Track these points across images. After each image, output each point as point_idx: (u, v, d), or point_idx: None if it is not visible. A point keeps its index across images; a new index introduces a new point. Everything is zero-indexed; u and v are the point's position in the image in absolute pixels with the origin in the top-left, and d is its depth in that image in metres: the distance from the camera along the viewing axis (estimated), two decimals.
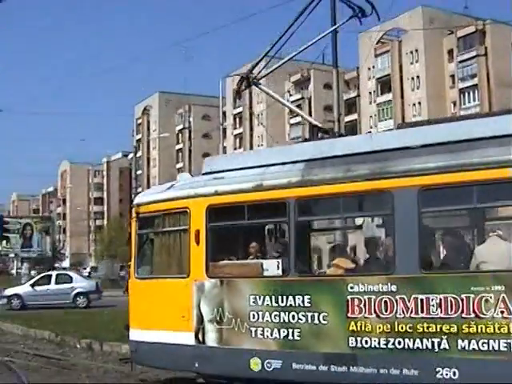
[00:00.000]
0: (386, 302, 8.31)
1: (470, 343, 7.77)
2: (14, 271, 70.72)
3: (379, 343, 8.37)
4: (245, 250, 10.09)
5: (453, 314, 7.87)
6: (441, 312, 7.95)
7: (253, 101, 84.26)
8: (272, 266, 9.43)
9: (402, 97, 71.24)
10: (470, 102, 66.01)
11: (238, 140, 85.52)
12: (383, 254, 8.96)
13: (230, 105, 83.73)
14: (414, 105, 69.83)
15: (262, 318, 9.31)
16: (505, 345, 7.56)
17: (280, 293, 9.16)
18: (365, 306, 8.47)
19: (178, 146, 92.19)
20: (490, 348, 7.64)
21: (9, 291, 31.34)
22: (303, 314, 8.95)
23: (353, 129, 69.46)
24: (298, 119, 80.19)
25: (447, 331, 7.90)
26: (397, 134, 9.76)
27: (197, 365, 10.11)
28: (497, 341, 7.61)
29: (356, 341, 8.54)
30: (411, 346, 8.15)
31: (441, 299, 7.94)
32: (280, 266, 9.34)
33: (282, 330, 9.13)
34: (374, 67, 73.48)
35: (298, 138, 60.16)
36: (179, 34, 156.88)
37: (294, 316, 9.03)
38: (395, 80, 71.36)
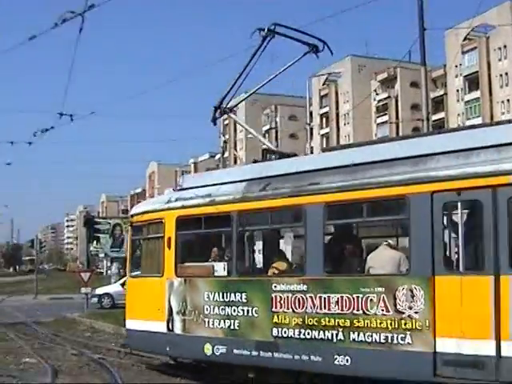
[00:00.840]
0: (299, 299, 9.93)
1: (359, 335, 9.26)
2: (103, 271, 74.90)
3: (294, 334, 10.01)
4: (206, 253, 11.94)
5: (347, 311, 9.39)
6: (338, 308, 9.48)
7: (339, 100, 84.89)
8: (220, 268, 11.34)
9: (491, 94, 69.78)
10: None
11: (324, 140, 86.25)
12: (298, 259, 10.46)
13: (316, 105, 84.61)
14: (503, 102, 68.31)
15: (213, 311, 11.17)
16: (384, 337, 8.98)
17: (225, 290, 11.00)
18: (284, 302, 10.11)
19: (264, 146, 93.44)
20: (374, 340, 9.09)
21: (99, 290, 31.52)
22: (241, 307, 10.72)
23: (440, 128, 68.93)
24: (385, 118, 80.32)
25: (342, 325, 9.43)
26: (313, 158, 11.26)
27: (168, 349, 12.14)
28: (378, 334, 9.03)
29: (277, 331, 10.21)
30: (317, 336, 9.72)
31: (338, 298, 9.48)
32: (226, 267, 11.22)
33: (226, 321, 10.96)
34: (461, 65, 72.31)
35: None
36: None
37: (234, 309, 10.83)
38: (483, 77, 69.97)
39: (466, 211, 8.58)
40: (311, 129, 66.45)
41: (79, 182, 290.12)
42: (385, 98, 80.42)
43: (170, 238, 12.03)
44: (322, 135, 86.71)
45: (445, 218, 8.73)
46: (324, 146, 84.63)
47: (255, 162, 12.19)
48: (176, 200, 12.28)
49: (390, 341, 8.88)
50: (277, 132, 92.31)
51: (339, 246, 10.22)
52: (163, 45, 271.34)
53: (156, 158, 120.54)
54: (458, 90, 73.36)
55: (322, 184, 9.90)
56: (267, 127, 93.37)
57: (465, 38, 70.68)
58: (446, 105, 74.97)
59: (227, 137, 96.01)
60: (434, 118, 70.62)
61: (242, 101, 13.43)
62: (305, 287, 9.87)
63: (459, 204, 8.48)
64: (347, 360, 9.34)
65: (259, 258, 11.38)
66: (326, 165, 10.23)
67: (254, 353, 10.49)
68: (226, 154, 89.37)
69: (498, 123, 10.09)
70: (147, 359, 13.65)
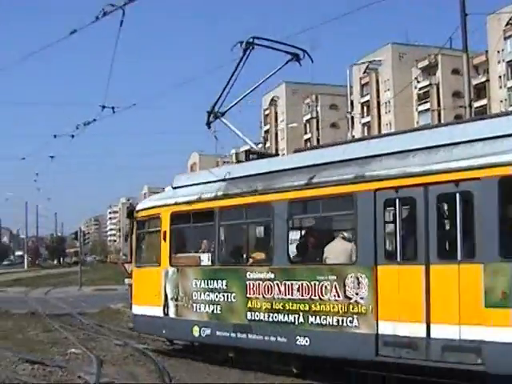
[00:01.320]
0: (267, 286, 11.14)
1: (316, 319, 10.41)
2: None
3: (264, 317, 11.22)
4: (195, 245, 13.32)
5: (306, 297, 10.53)
6: (299, 294, 10.64)
7: (380, 88, 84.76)
8: (205, 258, 12.68)
9: None
10: None
11: (365, 129, 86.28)
12: (267, 250, 11.61)
13: (357, 93, 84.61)
14: None
15: (199, 297, 12.49)
16: (336, 320, 10.11)
17: (209, 278, 12.33)
18: (256, 288, 11.34)
19: (305, 136, 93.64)
20: (328, 323, 10.23)
21: None
22: (222, 294, 12.00)
23: (483, 114, 68.35)
24: (427, 106, 79.99)
25: (303, 309, 10.60)
26: (281, 159, 12.37)
27: (164, 331, 13.60)
28: (332, 317, 10.16)
29: (251, 315, 11.44)
30: (282, 319, 10.91)
31: (299, 285, 10.63)
32: (210, 258, 12.53)
33: (210, 306, 12.26)
34: (503, 50, 71.51)
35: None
36: (306, 22, 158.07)
37: (217, 295, 12.12)
38: None
39: (403, 207, 9.57)
40: (352, 118, 66.71)
41: (122, 173, 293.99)
42: (426, 86, 79.96)
43: (165, 232, 13.39)
44: (363, 124, 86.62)
45: (386, 213, 9.74)
46: (365, 134, 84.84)
47: (239, 161, 13.27)
48: (170, 197, 13.68)
49: (340, 323, 10.02)
50: (318, 121, 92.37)
51: (301, 239, 11.52)
52: (201, 35, 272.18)
53: (197, 148, 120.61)
54: (500, 77, 72.62)
55: (286, 183, 11.05)
56: (308, 117, 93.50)
57: (507, 23, 69.93)
58: (488, 91, 74.24)
59: (268, 127, 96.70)
60: (477, 104, 69.92)
61: (232, 106, 14.43)
62: (272, 275, 11.06)
63: (397, 200, 9.53)
64: (307, 341, 10.50)
65: (237, 249, 12.56)
66: (291, 165, 11.42)
67: (233, 334, 11.75)
68: (268, 145, 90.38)
69: (437, 126, 10.94)
70: (191, 349, 13.58)
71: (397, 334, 9.28)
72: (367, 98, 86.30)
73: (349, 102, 49.12)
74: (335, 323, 10.10)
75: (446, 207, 9.32)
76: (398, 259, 9.46)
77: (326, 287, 10.21)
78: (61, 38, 15.20)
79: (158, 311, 13.42)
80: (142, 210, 14.64)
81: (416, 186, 9.23)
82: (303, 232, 11.75)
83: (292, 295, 10.71)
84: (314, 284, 10.36)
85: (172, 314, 13.11)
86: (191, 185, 13.43)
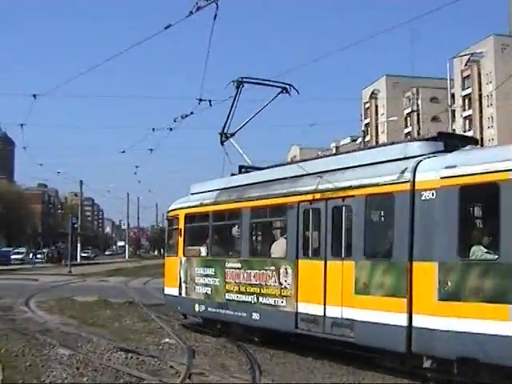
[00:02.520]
0: (237, 273, 14.71)
1: (263, 299, 13.85)
2: None
3: (235, 297, 14.77)
4: (200, 240, 16.91)
5: (258, 282, 14.00)
6: (255, 280, 14.11)
7: (482, 81, 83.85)
8: (203, 250, 16.49)
9: None
10: None
11: (467, 122, 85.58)
12: (238, 245, 15.20)
13: (458, 86, 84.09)
14: None
15: (199, 281, 16.23)
16: (273, 301, 13.49)
17: (204, 266, 16.08)
18: (231, 275, 14.93)
19: (406, 130, 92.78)
20: (269, 303, 13.63)
21: None
22: (212, 279, 15.69)
23: None
24: None
25: (256, 292, 14.03)
26: (253, 174, 16.00)
27: (179, 307, 17.56)
28: (271, 299, 13.56)
29: (228, 295, 15.03)
30: (244, 299, 14.43)
31: (255, 273, 14.11)
32: (205, 250, 16.37)
33: (204, 288, 15.97)
34: None
35: None
36: (405, 14, 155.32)
37: (209, 280, 15.81)
38: None
39: (314, 216, 12.66)
40: (453, 111, 67.14)
41: (220, 166, 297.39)
42: None
43: (181, 229, 17.29)
44: (465, 117, 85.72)
45: (304, 220, 12.86)
46: (467, 128, 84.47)
47: (233, 175, 16.96)
48: (186, 202, 17.65)
49: (276, 303, 13.37)
50: (418, 115, 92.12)
51: (258, 237, 15.21)
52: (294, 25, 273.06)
53: (297, 141, 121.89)
54: None
55: (250, 194, 14.69)
56: (408, 110, 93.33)
57: None
58: None
59: (368, 120, 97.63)
60: None
61: (239, 129, 18.01)
62: (240, 265, 14.66)
63: (310, 210, 12.72)
64: (258, 316, 13.96)
65: (221, 244, 16.32)
66: (255, 180, 15.10)
67: (217, 310, 15.41)
68: (368, 138, 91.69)
69: (342, 153, 14.18)
70: (286, 346, 13.58)
71: (308, 312, 12.44)
72: (469, 90, 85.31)
73: (449, 95, 49.61)
74: (273, 303, 13.47)
75: (337, 217, 12.00)
76: (310, 255, 12.70)
77: (269, 275, 13.61)
78: (156, 33, 16.01)
79: (175, 291, 17.35)
80: (170, 211, 18.59)
81: (320, 200, 12.37)
82: (259, 232, 15.37)
83: (250, 281, 14.22)
84: (263, 273, 13.82)
85: (183, 293, 17.03)
86: (200, 192, 17.17)
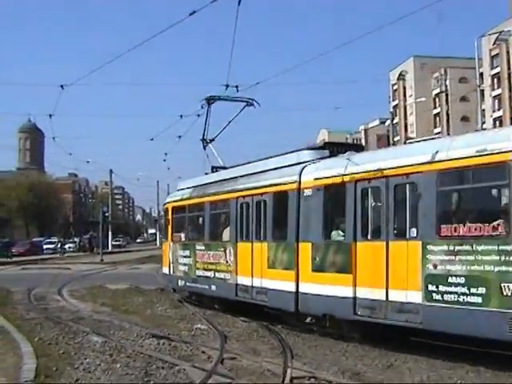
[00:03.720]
0: (202, 254, 18.19)
1: (218, 274, 17.11)
2: None
3: (201, 273, 18.14)
4: (181, 228, 20.42)
5: (214, 261, 17.35)
6: (212, 259, 17.45)
7: (510, 60, 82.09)
8: (183, 236, 20.08)
9: None
10: None
11: (496, 102, 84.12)
12: (203, 232, 18.44)
13: (487, 65, 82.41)
14: None
15: (180, 261, 19.86)
16: (223, 275, 16.73)
17: (183, 249, 19.75)
18: (198, 256, 18.38)
19: (435, 111, 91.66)
20: (220, 277, 16.89)
21: None
22: (188, 259, 19.17)
23: None
24: None
25: (213, 268, 17.37)
26: (215, 174, 19.40)
27: (169, 284, 21.51)
28: (222, 273, 16.79)
29: (197, 272, 18.44)
30: (207, 275, 17.79)
31: (212, 253, 17.46)
32: (184, 236, 20.03)
33: (183, 266, 19.62)
34: None
35: None
36: None
37: (186, 260, 19.33)
38: None
39: (246, 208, 15.74)
40: (482, 91, 66.09)
41: (252, 151, 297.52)
42: None
43: (169, 219, 21.23)
44: (494, 97, 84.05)
45: (242, 211, 15.94)
46: (496, 107, 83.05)
47: (207, 173, 20.19)
48: (174, 196, 21.69)
49: (224, 277, 16.69)
50: (447, 95, 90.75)
51: (215, 225, 18.16)
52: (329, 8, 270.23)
53: (326, 125, 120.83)
54: None
55: (209, 191, 18.15)
56: (437, 91, 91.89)
57: None
58: None
59: (396, 102, 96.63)
60: None
61: (218, 134, 21.30)
62: (203, 247, 18.21)
63: (244, 204, 15.92)
64: (215, 288, 17.35)
65: (193, 231, 19.65)
66: (215, 179, 18.52)
67: (191, 284, 19.09)
68: (396, 120, 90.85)
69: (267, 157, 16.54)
70: (317, 328, 13.37)
71: (243, 283, 15.66)
72: (498, 69, 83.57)
73: (478, 74, 48.82)
74: (223, 277, 16.79)
75: (258, 209, 15.14)
76: (244, 239, 15.85)
77: (220, 255, 16.97)
78: (182, 19, 16.05)
79: (167, 270, 21.30)
80: (164, 204, 22.42)
81: (249, 196, 15.66)
82: (215, 221, 18.28)
83: (210, 260, 17.66)
84: (217, 253, 17.19)
85: (171, 272, 20.77)
86: (183, 189, 20.85)
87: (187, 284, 19.14)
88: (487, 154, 9.44)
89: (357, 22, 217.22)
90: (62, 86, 23.23)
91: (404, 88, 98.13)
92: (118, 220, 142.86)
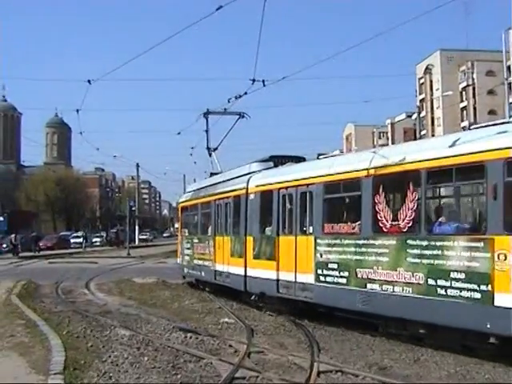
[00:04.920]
0: (197, 246, 21.95)
1: (204, 262, 20.72)
2: None
3: (197, 262, 21.69)
4: (187, 224, 24.47)
5: (202, 251, 21.07)
6: (202, 250, 21.18)
7: None
8: (187, 231, 24.19)
9: None
10: None
11: None
12: (198, 227, 22.27)
13: None
14: None
15: (185, 252, 23.72)
16: (207, 263, 20.23)
17: (186, 242, 23.69)
18: (196, 247, 22.06)
19: (462, 104, 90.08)
20: (206, 264, 20.44)
21: None
22: (189, 250, 22.95)
23: None
24: None
25: (203, 257, 20.99)
26: (203, 181, 24.89)
27: (180, 272, 24.43)
28: (207, 261, 20.30)
29: (196, 261, 21.95)
30: (200, 263, 21.34)
31: (202, 245, 21.12)
32: (187, 231, 24.11)
33: (187, 257, 23.37)
34: None
35: None
36: None
37: (188, 251, 23.11)
38: None
39: (218, 208, 19.46)
40: (510, 84, 65.11)
41: (278, 145, 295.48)
42: None
43: (179, 217, 26.20)
44: None
45: (217, 211, 19.60)
46: None
47: (206, 178, 24.90)
48: (182, 198, 26.23)
49: (208, 265, 20.22)
50: (474, 89, 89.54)
51: (204, 222, 21.55)
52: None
53: (352, 119, 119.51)
54: None
55: (200, 194, 22.13)
56: (464, 84, 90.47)
57: None
58: None
59: (423, 96, 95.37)
60: None
61: (219, 143, 24.89)
62: (197, 240, 22.02)
63: (217, 205, 19.58)
64: (204, 274, 20.83)
65: (193, 227, 23.29)
66: (204, 185, 22.69)
67: (192, 271, 22.54)
68: (423, 114, 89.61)
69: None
70: (346, 323, 13.23)
71: (219, 270, 19.08)
72: None
73: (505, 67, 48.11)
74: (207, 264, 20.22)
75: (226, 209, 18.74)
76: (227, 232, 18.67)
77: (206, 247, 20.46)
78: (208, 14, 16.19)
79: (178, 260, 25.15)
80: (177, 204, 27.75)
81: (220, 199, 19.39)
82: (204, 218, 21.63)
83: (200, 251, 21.30)
84: (204, 245, 20.74)
85: (180, 261, 24.65)
86: (189, 192, 25.34)
87: (189, 271, 22.74)
88: (351, 171, 12.53)
89: (385, 15, 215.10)
90: (89, 81, 23.43)
91: (431, 82, 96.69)
92: (145, 214, 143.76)
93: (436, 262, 10.27)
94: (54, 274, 28.73)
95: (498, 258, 9.21)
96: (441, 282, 10.14)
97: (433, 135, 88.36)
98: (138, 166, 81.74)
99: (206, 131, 24.27)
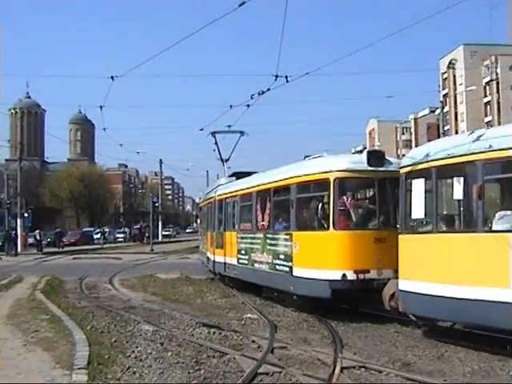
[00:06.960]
0: (206, 239, 25.58)
1: (207, 253, 24.64)
2: None
3: (210, 252, 23.77)
4: (205, 221, 27.08)
5: (207, 244, 25.02)
6: (207, 243, 24.99)
7: None
8: (204, 226, 26.89)
9: None
10: None
11: None
12: (207, 224, 25.28)
13: None
14: None
15: (201, 244, 29.54)
16: (219, 255, 21.63)
17: (202, 236, 28.73)
18: (206, 240, 25.77)
19: (485, 99, 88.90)
20: (217, 255, 22.00)
21: None
22: (204, 242, 26.79)
23: None
24: None
25: (207, 249, 24.83)
26: (216, 182, 27.61)
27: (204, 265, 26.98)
28: (218, 254, 21.82)
29: (206, 253, 25.31)
30: (207, 255, 24.65)
31: (214, 239, 22.71)
32: (204, 227, 26.78)
33: (203, 248, 27.40)
34: None
35: None
36: None
37: (205, 243, 26.26)
38: None
39: (209, 209, 24.49)
40: None
41: (298, 140, 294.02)
42: None
43: (198, 215, 34.66)
44: None
45: (208, 211, 24.75)
46: None
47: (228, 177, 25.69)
48: (200, 198, 32.27)
49: (208, 256, 24.20)
50: (498, 83, 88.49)
51: (208, 219, 25.17)
52: None
53: (375, 114, 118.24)
54: None
55: (205, 197, 27.20)
56: (487, 79, 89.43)
57: None
58: None
59: (446, 91, 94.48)
60: None
61: (230, 155, 28.67)
62: (210, 234, 24.08)
63: (209, 206, 24.31)
64: (212, 264, 23.62)
65: (207, 223, 25.62)
66: (209, 190, 26.96)
67: (205, 261, 25.92)
68: (446, 109, 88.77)
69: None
70: (369, 319, 13.24)
71: (216, 260, 22.00)
72: None
73: None
74: (219, 255, 21.60)
75: (211, 210, 23.59)
76: (221, 229, 21.45)
77: (217, 240, 21.97)
78: (230, 11, 16.21)
79: (208, 255, 25.18)
80: (197, 204, 31.16)
81: (209, 202, 24.31)
82: (208, 216, 25.15)
83: (206, 243, 25.12)
84: (216, 238, 22.30)
85: (200, 251, 29.49)
86: (207, 192, 27.64)
87: (204, 260, 26.29)
88: (249, 188, 18.49)
89: (409, 10, 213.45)
90: (112, 78, 23.41)
91: (454, 76, 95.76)
92: (168, 210, 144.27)
93: (275, 248, 15.88)
94: (78, 269, 28.91)
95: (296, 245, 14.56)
96: (276, 261, 15.71)
97: (456, 131, 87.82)
98: (161, 162, 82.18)
99: (217, 148, 28.13)
